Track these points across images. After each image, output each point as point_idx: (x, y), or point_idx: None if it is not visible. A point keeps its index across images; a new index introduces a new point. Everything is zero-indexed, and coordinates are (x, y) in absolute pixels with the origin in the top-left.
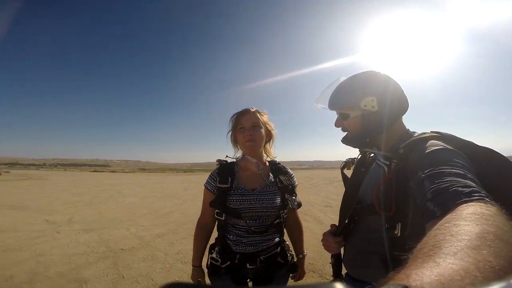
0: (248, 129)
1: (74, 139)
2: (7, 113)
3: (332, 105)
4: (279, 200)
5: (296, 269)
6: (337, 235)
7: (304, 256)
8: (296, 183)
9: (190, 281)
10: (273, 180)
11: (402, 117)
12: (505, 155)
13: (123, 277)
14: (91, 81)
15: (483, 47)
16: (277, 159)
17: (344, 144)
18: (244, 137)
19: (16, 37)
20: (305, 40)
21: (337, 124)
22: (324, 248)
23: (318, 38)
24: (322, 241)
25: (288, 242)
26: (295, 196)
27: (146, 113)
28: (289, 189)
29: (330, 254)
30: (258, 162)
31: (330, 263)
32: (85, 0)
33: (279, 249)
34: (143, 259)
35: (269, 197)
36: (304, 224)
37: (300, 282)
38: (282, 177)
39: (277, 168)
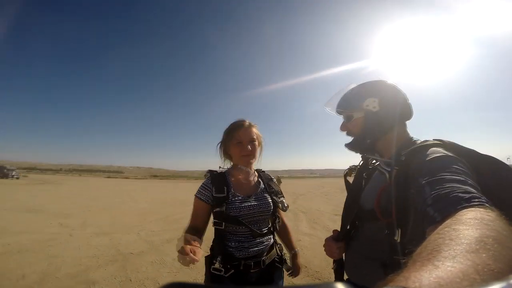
0: (246, 144)
1: (89, 146)
2: (28, 119)
3: (338, 107)
4: (271, 204)
5: (290, 266)
6: (339, 241)
7: (296, 253)
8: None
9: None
10: (263, 186)
11: (407, 126)
12: None
13: (131, 280)
14: (108, 90)
15: (495, 53)
16: (287, 168)
17: (347, 149)
18: (242, 152)
19: (30, 42)
20: (318, 45)
21: (342, 128)
22: (326, 254)
23: (331, 43)
24: (324, 246)
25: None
26: (284, 198)
27: (159, 121)
28: (279, 193)
29: (332, 260)
30: (249, 170)
31: (332, 268)
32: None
33: (275, 249)
34: (151, 263)
35: (264, 201)
36: (312, 232)
37: (299, 282)
38: (271, 183)
39: (264, 175)
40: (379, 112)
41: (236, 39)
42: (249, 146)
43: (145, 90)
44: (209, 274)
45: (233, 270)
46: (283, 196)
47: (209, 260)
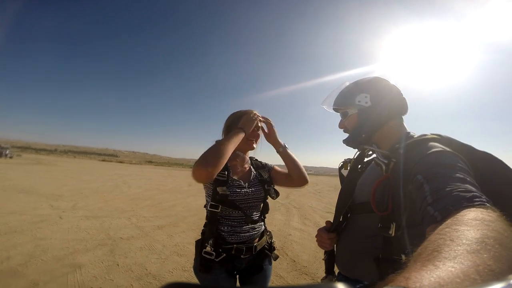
0: (255, 129)
1: (86, 128)
2: (25, 98)
3: (334, 104)
4: (263, 192)
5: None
6: (331, 232)
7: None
8: (271, 165)
9: (184, 273)
10: (255, 174)
11: (403, 120)
12: None
13: (118, 265)
14: (107, 73)
15: (505, 59)
16: (282, 162)
17: (345, 145)
18: (251, 135)
19: (37, 24)
20: (323, 50)
21: (340, 125)
22: (318, 244)
23: (337, 48)
24: (316, 236)
25: (271, 230)
26: (274, 188)
27: (157, 108)
28: (268, 181)
29: (323, 252)
30: (246, 157)
31: (322, 259)
32: None
33: (266, 237)
34: (140, 249)
35: (257, 188)
36: (303, 228)
37: (300, 283)
38: (262, 171)
39: (255, 163)
40: (371, 107)
41: (245, 42)
42: (257, 132)
43: (147, 78)
44: (200, 258)
45: (224, 255)
46: (273, 184)
47: (200, 244)
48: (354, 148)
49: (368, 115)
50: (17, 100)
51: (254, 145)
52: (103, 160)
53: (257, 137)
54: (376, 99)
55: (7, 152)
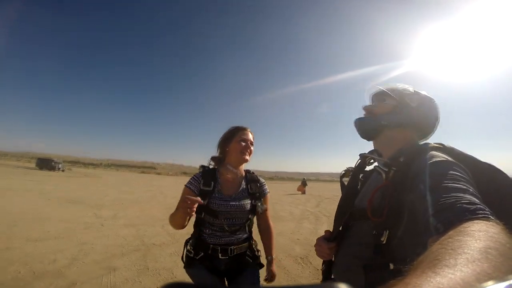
0: (248, 143)
1: (128, 141)
2: (77, 119)
3: (382, 86)
4: (249, 205)
5: (263, 266)
6: (330, 241)
7: (272, 259)
8: (267, 190)
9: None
10: (245, 187)
11: (417, 137)
12: None
13: (148, 269)
14: (145, 91)
15: None
16: (315, 170)
17: (355, 125)
18: (244, 149)
19: (67, 39)
20: (348, 43)
21: (366, 108)
22: (317, 254)
23: (363, 42)
24: (315, 246)
25: (257, 240)
26: (262, 201)
27: (193, 122)
28: (257, 196)
29: (322, 261)
30: (237, 171)
31: (321, 269)
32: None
33: (247, 244)
34: (170, 254)
35: (242, 202)
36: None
37: (301, 282)
38: (252, 185)
39: (250, 176)
40: (414, 109)
41: (269, 42)
42: (251, 146)
43: (182, 92)
44: (184, 255)
45: (202, 253)
46: (260, 199)
47: (186, 243)
48: (362, 132)
49: (404, 112)
50: (69, 121)
51: (247, 157)
52: (143, 172)
53: (251, 151)
54: (423, 107)
55: (60, 166)
